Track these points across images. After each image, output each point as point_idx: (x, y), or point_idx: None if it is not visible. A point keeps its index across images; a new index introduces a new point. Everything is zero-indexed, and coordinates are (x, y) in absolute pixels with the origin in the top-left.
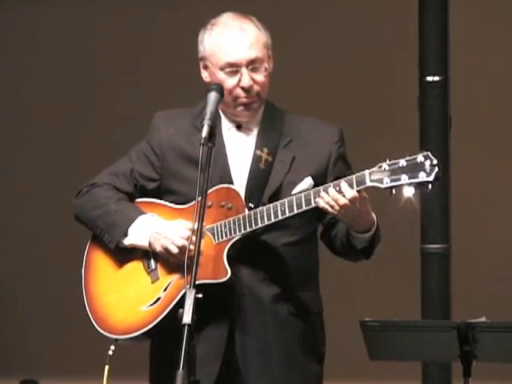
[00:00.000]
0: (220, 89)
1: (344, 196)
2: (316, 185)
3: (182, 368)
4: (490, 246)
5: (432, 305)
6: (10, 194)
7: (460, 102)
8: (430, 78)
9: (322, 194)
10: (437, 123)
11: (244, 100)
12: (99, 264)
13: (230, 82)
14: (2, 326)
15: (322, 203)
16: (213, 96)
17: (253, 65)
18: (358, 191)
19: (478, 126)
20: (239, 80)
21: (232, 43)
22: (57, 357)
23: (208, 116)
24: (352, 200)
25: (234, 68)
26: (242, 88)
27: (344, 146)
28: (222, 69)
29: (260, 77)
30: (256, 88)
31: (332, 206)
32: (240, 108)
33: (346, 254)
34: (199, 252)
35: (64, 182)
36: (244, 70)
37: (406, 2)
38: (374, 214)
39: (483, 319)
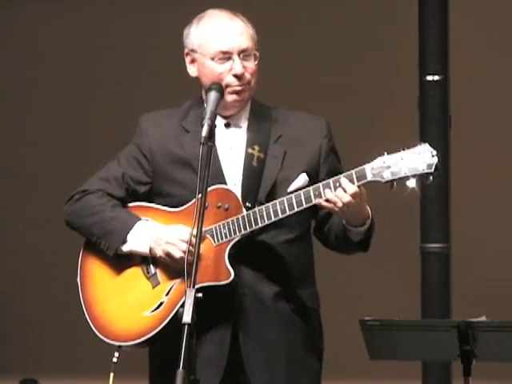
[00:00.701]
0: (220, 88)
1: (346, 193)
2: (310, 180)
3: (182, 367)
4: (489, 245)
5: (432, 304)
6: (10, 196)
7: (460, 102)
8: (429, 78)
9: (326, 191)
10: (437, 123)
11: (236, 88)
12: (95, 271)
13: (221, 68)
14: (2, 326)
15: (324, 203)
16: (213, 95)
17: (244, 53)
18: (357, 186)
19: (478, 126)
20: (231, 68)
21: (223, 31)
22: (57, 357)
23: (208, 115)
24: (354, 196)
25: (225, 55)
26: (235, 75)
27: (333, 139)
28: (213, 58)
29: (251, 64)
30: (247, 76)
31: (335, 203)
32: (232, 96)
33: (340, 248)
34: (199, 251)
35: (63, 186)
36: (236, 57)
37: (406, 1)
38: (368, 207)
39: (483, 319)
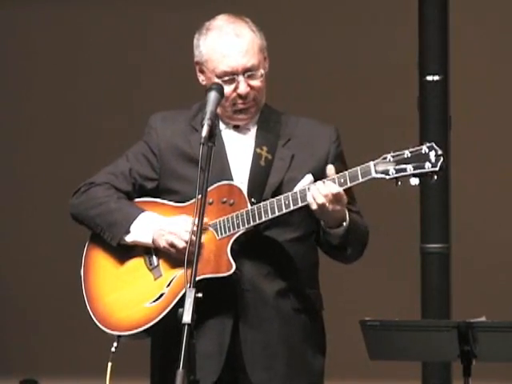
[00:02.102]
0: (220, 89)
1: (331, 193)
2: (316, 182)
3: (182, 367)
4: (490, 245)
5: (432, 304)
6: (11, 195)
7: (460, 102)
8: (429, 78)
9: (311, 186)
10: (437, 123)
11: (241, 106)
12: (99, 264)
13: (226, 89)
14: (3, 325)
15: (308, 197)
16: (213, 95)
17: (249, 72)
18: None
19: (478, 126)
20: (236, 87)
21: (228, 51)
22: (57, 357)
23: (208, 115)
24: (335, 196)
25: (230, 76)
26: (239, 95)
27: (341, 145)
28: (218, 76)
29: (256, 82)
30: (253, 93)
31: (315, 198)
32: (237, 114)
33: (330, 254)
34: (199, 250)
35: (66, 182)
36: (241, 77)
37: (406, 1)
38: (346, 211)
39: (483, 319)
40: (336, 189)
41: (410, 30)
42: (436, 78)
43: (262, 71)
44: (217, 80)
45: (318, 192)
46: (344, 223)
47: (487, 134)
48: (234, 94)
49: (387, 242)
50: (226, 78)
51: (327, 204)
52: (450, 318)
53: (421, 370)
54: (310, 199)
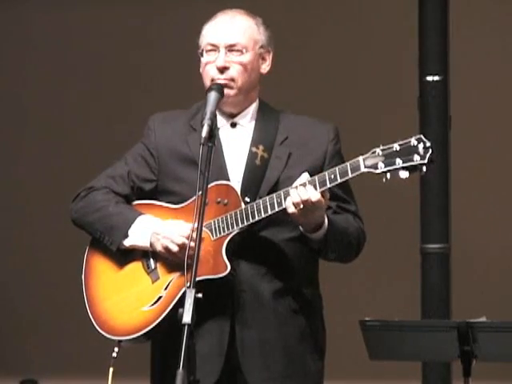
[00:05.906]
0: (220, 88)
1: (310, 199)
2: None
3: (182, 368)
4: (490, 245)
5: (432, 304)
6: (11, 198)
7: (460, 102)
8: (429, 78)
9: (291, 191)
10: (437, 123)
11: (219, 81)
12: (99, 268)
13: (206, 58)
14: (2, 325)
15: (288, 201)
16: (213, 96)
17: (232, 48)
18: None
19: (478, 126)
20: (215, 60)
21: (216, 26)
22: (57, 357)
23: (208, 116)
24: (317, 202)
25: (213, 47)
26: (217, 68)
27: (339, 143)
28: (206, 51)
29: (237, 60)
30: (231, 71)
31: (297, 204)
32: None
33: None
34: (199, 251)
35: (66, 185)
36: (222, 50)
37: (406, 2)
38: (325, 216)
39: (483, 319)
40: (316, 196)
41: (410, 30)
42: (436, 78)
43: (247, 56)
44: (203, 55)
45: (297, 197)
46: (322, 228)
47: (487, 133)
48: (213, 68)
49: (387, 242)
50: (209, 48)
51: (305, 210)
52: (449, 318)
53: (421, 369)
54: (288, 203)
